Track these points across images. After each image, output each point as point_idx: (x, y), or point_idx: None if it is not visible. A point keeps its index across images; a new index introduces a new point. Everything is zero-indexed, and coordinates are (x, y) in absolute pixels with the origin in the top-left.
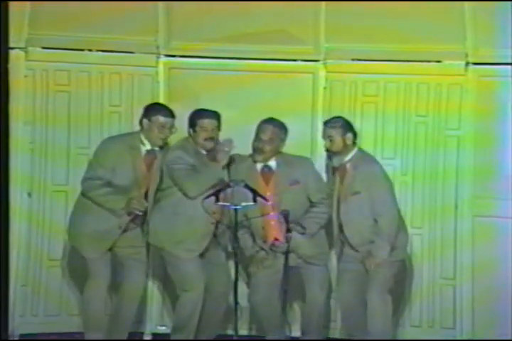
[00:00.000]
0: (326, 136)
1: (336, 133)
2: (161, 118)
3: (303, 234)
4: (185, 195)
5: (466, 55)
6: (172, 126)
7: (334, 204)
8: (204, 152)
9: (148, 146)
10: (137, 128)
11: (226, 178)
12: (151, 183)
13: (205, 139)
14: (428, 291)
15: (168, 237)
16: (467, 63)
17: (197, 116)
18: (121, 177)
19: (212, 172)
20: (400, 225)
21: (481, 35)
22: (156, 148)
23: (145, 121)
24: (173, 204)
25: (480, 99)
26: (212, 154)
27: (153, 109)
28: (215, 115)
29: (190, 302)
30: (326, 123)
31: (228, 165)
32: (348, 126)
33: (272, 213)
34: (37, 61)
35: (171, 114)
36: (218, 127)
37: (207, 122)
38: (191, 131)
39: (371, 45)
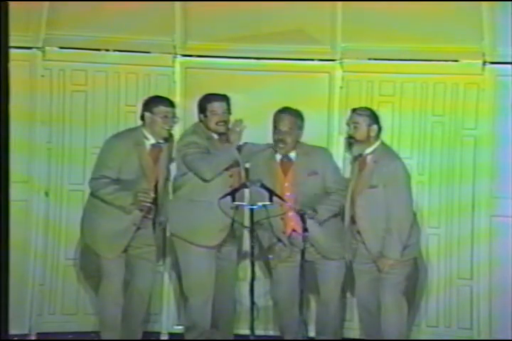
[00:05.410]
0: (351, 122)
1: (363, 121)
2: (164, 108)
3: (312, 218)
4: (201, 178)
5: (483, 55)
6: (174, 116)
7: (348, 195)
8: (216, 136)
9: (152, 140)
10: None
11: (239, 159)
12: (159, 176)
13: (217, 123)
14: (445, 291)
15: (186, 225)
16: (484, 62)
17: (206, 100)
18: (129, 174)
19: (226, 153)
20: (413, 223)
21: (498, 34)
22: (161, 141)
23: (147, 114)
24: (189, 191)
25: (497, 99)
26: (224, 138)
27: (153, 101)
28: (225, 98)
29: (198, 306)
30: (354, 110)
31: (239, 150)
32: (375, 118)
33: (289, 204)
34: (54, 61)
35: (171, 103)
36: (228, 110)
37: (217, 106)
38: (202, 116)
39: (388, 45)
